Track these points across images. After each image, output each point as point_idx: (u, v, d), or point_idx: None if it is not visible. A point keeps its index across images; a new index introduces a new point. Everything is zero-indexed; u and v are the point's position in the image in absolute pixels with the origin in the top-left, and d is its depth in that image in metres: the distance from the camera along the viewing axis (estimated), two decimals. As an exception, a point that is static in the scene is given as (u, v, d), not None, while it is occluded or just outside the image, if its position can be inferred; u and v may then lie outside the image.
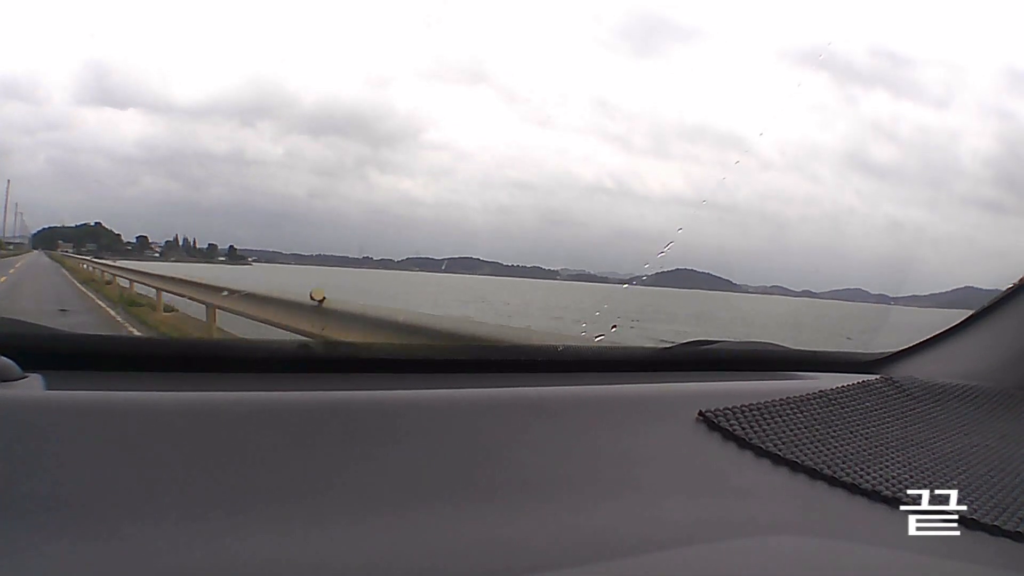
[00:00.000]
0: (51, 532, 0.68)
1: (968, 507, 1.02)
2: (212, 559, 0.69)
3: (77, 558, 0.66)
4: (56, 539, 0.67)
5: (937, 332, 1.70)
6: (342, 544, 0.74)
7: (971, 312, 1.68)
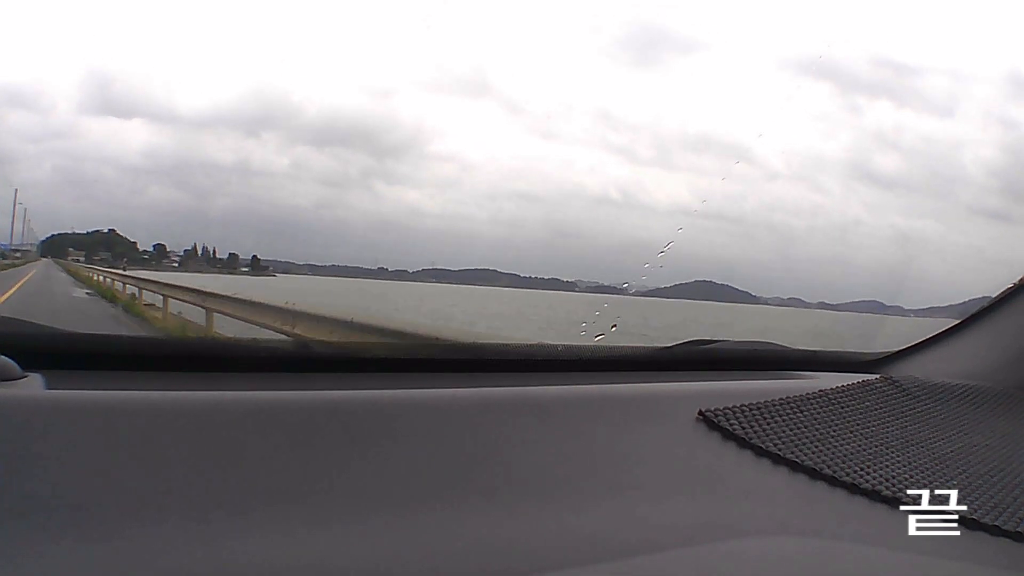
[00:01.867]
0: (51, 532, 0.68)
1: (968, 507, 1.02)
2: (212, 558, 0.69)
3: (77, 558, 0.66)
4: (56, 539, 0.67)
5: (937, 332, 1.70)
6: (342, 544, 0.74)
7: (971, 312, 1.68)
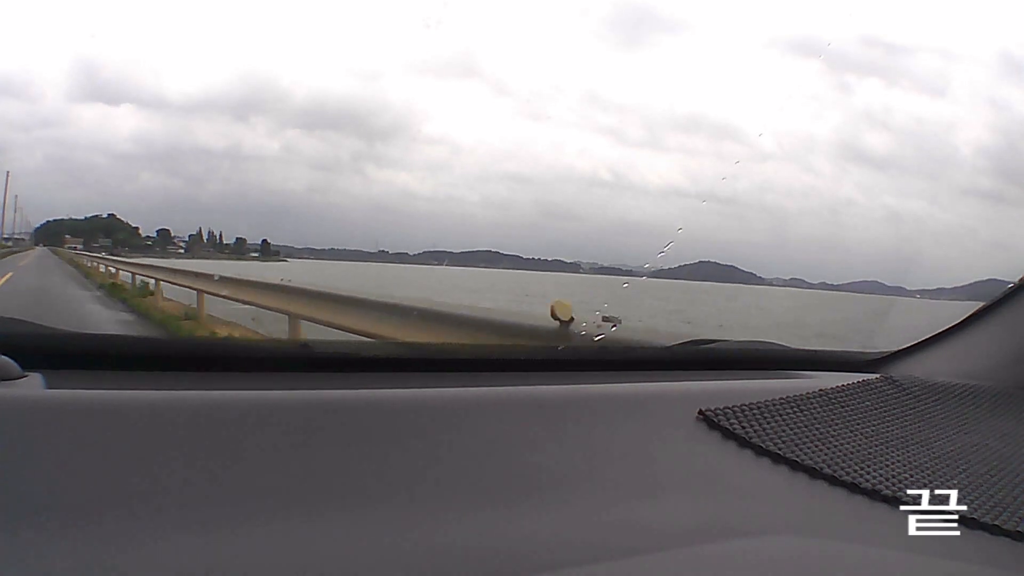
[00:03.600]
0: (51, 532, 0.68)
1: (968, 507, 1.02)
2: (212, 558, 0.69)
3: (77, 558, 0.66)
4: (56, 539, 0.67)
5: (937, 331, 1.70)
6: (342, 544, 0.74)
7: (971, 311, 1.68)
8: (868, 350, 1.75)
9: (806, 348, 1.79)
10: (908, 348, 1.69)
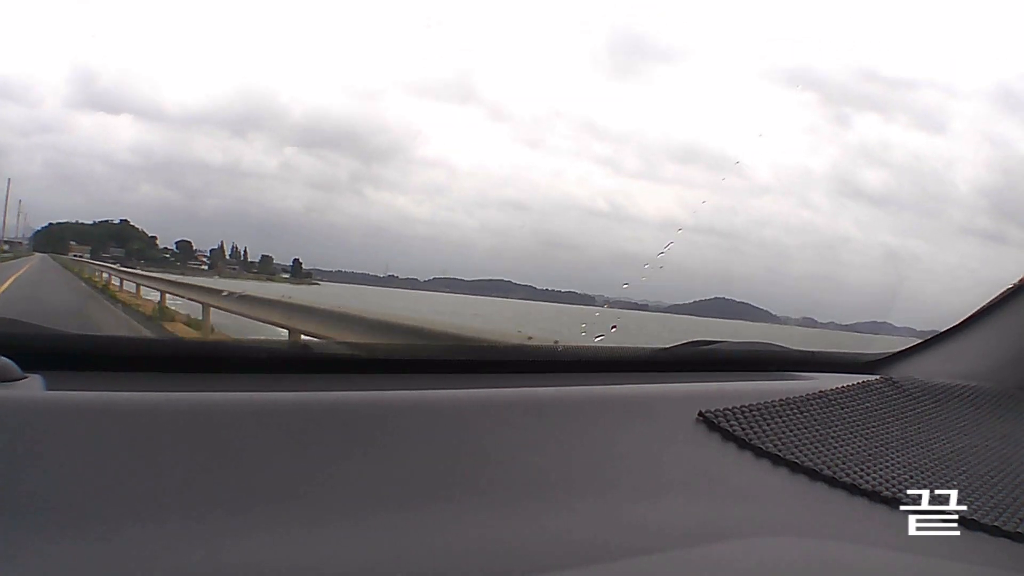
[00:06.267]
0: (51, 532, 0.68)
1: (968, 507, 1.02)
2: (211, 558, 0.69)
3: (77, 558, 0.66)
4: (56, 539, 0.67)
5: (937, 332, 1.70)
6: (341, 544, 0.74)
7: (971, 312, 1.68)
8: (868, 351, 1.75)
9: (806, 349, 1.79)
10: (908, 349, 1.70)
